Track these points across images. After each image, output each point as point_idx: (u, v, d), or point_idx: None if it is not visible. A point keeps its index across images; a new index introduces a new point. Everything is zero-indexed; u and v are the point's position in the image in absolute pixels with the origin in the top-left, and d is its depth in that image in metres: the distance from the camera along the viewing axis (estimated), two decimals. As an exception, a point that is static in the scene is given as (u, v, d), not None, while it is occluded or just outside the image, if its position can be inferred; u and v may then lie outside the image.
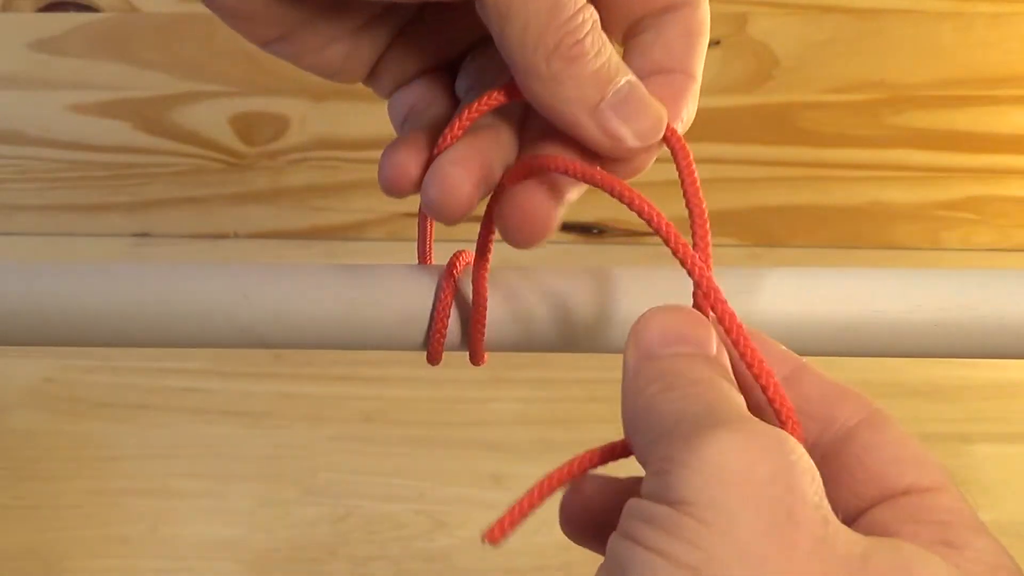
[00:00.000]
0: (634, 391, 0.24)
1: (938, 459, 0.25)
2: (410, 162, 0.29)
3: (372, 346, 0.32)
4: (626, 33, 0.30)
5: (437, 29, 0.32)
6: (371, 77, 0.32)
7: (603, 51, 0.28)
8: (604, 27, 0.28)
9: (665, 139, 0.29)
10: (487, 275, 0.31)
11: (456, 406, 0.68)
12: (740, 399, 0.24)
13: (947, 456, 0.64)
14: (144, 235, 0.86)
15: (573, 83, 0.27)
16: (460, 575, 0.58)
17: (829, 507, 0.21)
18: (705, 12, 0.30)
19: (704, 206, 0.28)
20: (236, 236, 0.86)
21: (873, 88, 0.78)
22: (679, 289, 0.31)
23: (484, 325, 0.31)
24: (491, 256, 0.31)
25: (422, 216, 0.33)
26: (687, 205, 0.28)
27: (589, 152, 0.28)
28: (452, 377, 0.69)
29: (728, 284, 0.31)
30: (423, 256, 0.34)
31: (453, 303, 0.31)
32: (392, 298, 0.31)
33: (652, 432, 0.23)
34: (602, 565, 0.22)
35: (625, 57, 0.30)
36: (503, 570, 0.58)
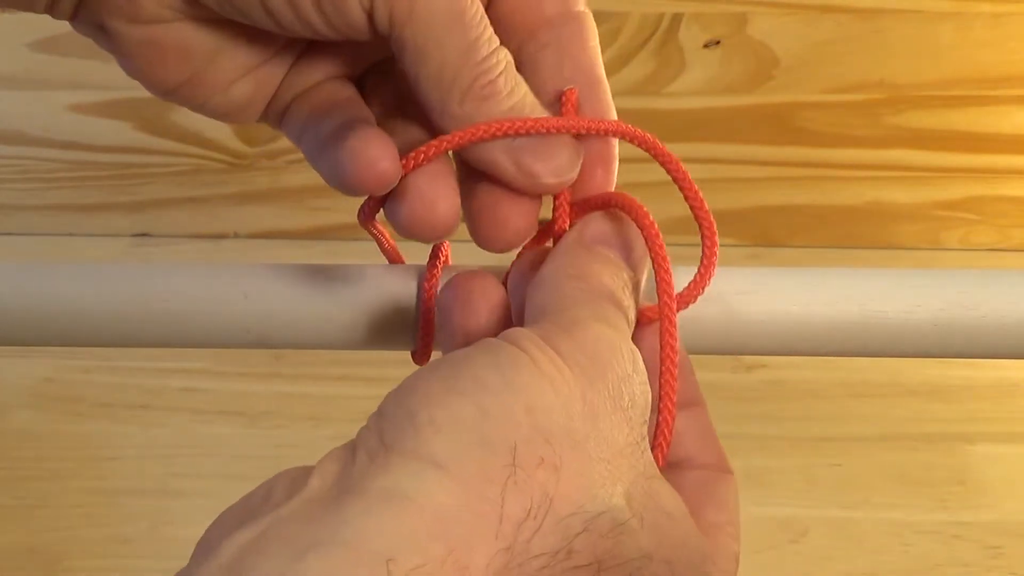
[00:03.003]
0: (560, 263, 0.27)
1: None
2: (383, 157, 0.27)
3: (373, 346, 0.32)
4: (520, 49, 0.30)
5: (334, 51, 0.31)
6: (267, 109, 0.31)
7: (516, 90, 0.28)
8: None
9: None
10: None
11: (456, 406, 0.68)
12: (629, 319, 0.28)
13: (947, 456, 0.64)
14: (144, 235, 0.86)
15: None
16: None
17: (645, 435, 0.25)
18: (591, 18, 0.30)
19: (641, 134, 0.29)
20: (236, 236, 0.86)
21: (873, 88, 0.77)
22: (683, 289, 0.31)
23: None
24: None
25: (369, 219, 0.33)
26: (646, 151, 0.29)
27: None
28: (452, 377, 0.69)
29: (728, 284, 0.31)
30: (394, 257, 0.34)
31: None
32: (393, 298, 0.31)
33: (549, 303, 0.26)
34: (473, 347, 0.24)
35: (530, 74, 0.29)
36: (503, 570, 0.57)
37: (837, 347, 0.32)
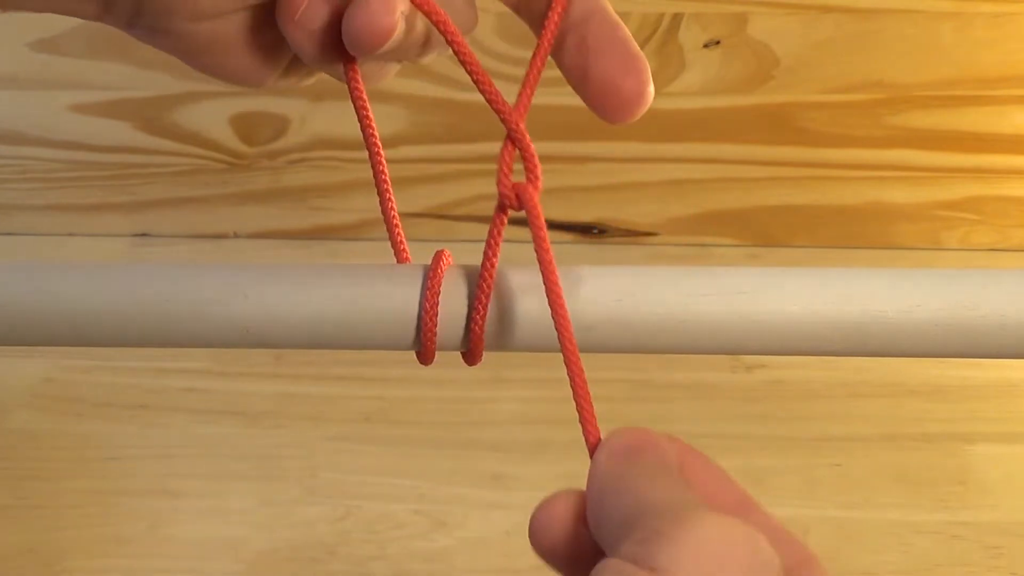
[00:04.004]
0: (614, 476, 0.26)
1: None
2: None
3: (374, 346, 0.32)
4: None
5: None
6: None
7: None
8: None
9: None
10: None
11: (456, 406, 0.68)
12: None
13: (947, 456, 0.64)
14: (144, 235, 0.86)
15: None
16: (460, 575, 0.58)
17: None
18: None
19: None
20: (236, 236, 0.86)
21: (873, 88, 0.78)
22: (682, 289, 0.31)
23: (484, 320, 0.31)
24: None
25: (388, 215, 0.33)
26: None
27: None
28: (452, 377, 0.69)
29: (728, 284, 0.31)
30: (399, 254, 0.34)
31: (440, 301, 0.31)
32: (394, 297, 0.31)
33: (633, 508, 0.24)
34: None
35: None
36: (503, 570, 0.58)
37: (837, 347, 0.32)
